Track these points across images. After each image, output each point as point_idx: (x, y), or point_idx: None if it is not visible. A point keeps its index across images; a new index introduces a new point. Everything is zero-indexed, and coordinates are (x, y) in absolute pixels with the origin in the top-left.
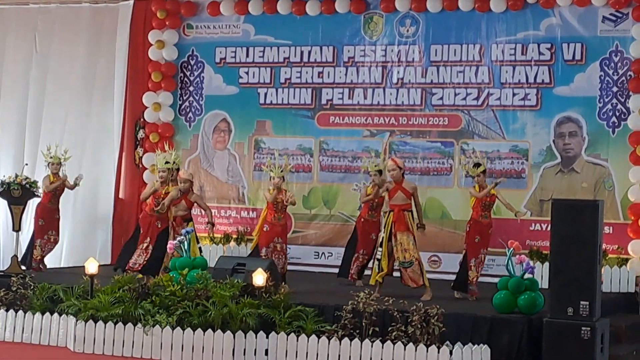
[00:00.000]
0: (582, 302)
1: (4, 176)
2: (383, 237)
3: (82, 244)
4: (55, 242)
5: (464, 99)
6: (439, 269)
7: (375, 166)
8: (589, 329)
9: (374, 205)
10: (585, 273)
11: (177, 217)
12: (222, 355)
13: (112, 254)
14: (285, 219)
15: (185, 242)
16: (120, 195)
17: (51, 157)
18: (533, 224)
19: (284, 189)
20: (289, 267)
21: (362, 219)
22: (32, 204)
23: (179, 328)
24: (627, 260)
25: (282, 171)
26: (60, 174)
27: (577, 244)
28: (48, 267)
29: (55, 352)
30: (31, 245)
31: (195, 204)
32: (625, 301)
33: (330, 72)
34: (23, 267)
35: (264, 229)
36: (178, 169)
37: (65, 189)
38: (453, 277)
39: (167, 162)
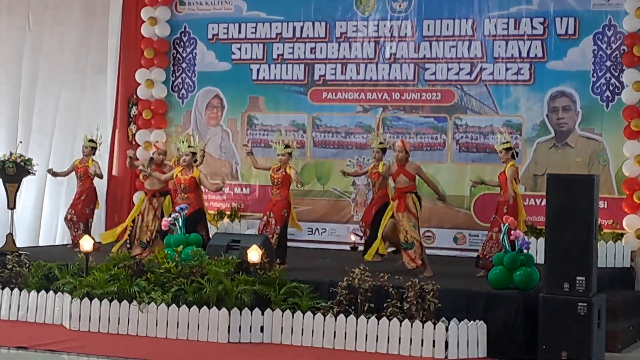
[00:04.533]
0: (578, 278)
1: None
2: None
3: None
4: None
5: (457, 74)
6: (432, 244)
7: (380, 143)
8: (585, 304)
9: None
10: (581, 248)
11: None
12: (217, 332)
13: (105, 230)
14: (283, 196)
15: (180, 219)
16: (114, 172)
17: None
18: (527, 199)
19: (290, 165)
20: None
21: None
22: (27, 182)
23: (174, 305)
24: (622, 235)
25: (285, 147)
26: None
27: (573, 219)
28: (42, 244)
29: (51, 330)
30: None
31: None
32: (620, 276)
33: (323, 48)
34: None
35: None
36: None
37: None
38: (447, 252)
39: (190, 146)
